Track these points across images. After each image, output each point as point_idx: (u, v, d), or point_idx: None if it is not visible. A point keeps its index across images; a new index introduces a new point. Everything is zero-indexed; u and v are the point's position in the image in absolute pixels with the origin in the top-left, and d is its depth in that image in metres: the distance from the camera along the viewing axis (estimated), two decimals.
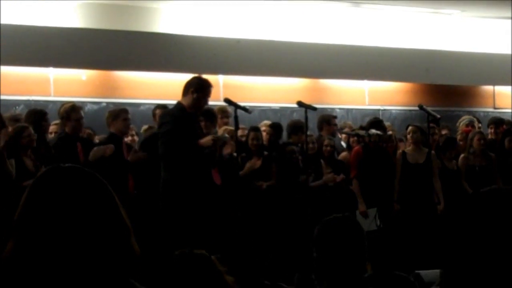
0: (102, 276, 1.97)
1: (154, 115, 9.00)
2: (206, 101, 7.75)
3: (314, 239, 3.35)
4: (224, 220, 7.87)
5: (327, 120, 10.42)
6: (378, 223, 9.03)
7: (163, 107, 9.01)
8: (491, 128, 10.72)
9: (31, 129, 7.86)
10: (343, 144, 10.56)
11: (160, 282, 2.43)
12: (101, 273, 1.97)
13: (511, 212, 1.68)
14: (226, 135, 7.81)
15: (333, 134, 10.34)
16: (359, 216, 9.01)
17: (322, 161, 9.60)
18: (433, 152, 9.55)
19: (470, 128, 10.72)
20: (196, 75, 7.97)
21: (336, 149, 10.12)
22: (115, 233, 2.01)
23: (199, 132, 7.79)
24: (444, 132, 10.90)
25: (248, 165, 8.81)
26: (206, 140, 7.64)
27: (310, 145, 9.50)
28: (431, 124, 9.85)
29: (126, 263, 2.02)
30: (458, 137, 10.39)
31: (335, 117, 10.74)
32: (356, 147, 9.64)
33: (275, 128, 9.85)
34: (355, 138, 9.92)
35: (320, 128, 10.35)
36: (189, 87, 7.66)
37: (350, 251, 3.32)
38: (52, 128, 9.03)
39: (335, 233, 3.33)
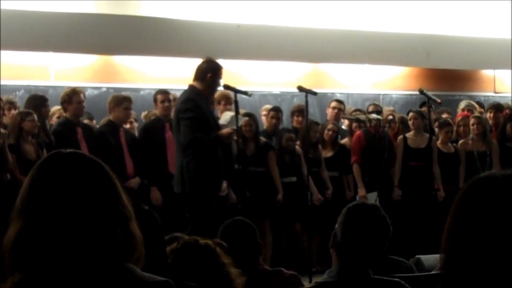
0: (99, 260, 1.98)
1: (155, 100, 8.98)
2: (220, 83, 7.79)
3: (342, 220, 3.40)
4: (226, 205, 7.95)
5: (335, 106, 10.49)
6: None
7: (164, 92, 9.00)
8: (490, 113, 10.69)
9: (35, 116, 7.88)
10: (344, 128, 10.57)
11: (162, 271, 2.43)
12: (98, 257, 1.98)
13: (508, 197, 1.69)
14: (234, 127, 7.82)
15: (337, 119, 10.37)
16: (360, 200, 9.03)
17: (319, 146, 9.60)
18: (434, 137, 9.55)
19: (467, 112, 10.69)
20: (202, 59, 7.93)
21: (340, 133, 10.15)
22: (114, 218, 2.02)
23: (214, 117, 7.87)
24: (444, 115, 10.89)
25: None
26: (227, 131, 7.67)
27: (315, 134, 9.51)
28: (423, 108, 9.87)
29: (124, 248, 2.03)
30: (456, 122, 10.35)
31: (340, 101, 10.76)
32: (358, 132, 9.65)
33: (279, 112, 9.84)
34: (357, 123, 9.93)
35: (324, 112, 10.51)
36: (206, 72, 7.66)
37: (375, 239, 3.39)
38: (54, 112, 9.04)
39: (363, 219, 3.40)
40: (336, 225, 3.43)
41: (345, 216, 3.43)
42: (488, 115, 10.64)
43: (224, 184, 7.95)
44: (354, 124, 10.01)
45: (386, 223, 3.47)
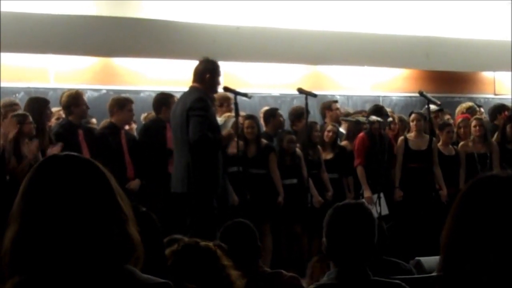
0: (96, 262, 1.98)
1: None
2: (219, 81, 7.79)
3: (326, 224, 3.40)
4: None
5: (328, 106, 10.47)
6: (379, 209, 9.03)
7: (164, 94, 9.00)
8: (491, 115, 10.67)
9: (30, 118, 7.85)
10: (342, 131, 10.53)
11: (161, 272, 2.42)
12: (96, 259, 1.98)
13: (509, 198, 1.68)
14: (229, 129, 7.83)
15: (337, 121, 10.34)
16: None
17: (319, 147, 9.58)
18: (434, 139, 9.53)
19: (466, 114, 10.67)
20: (198, 60, 7.94)
21: (338, 135, 10.13)
22: (110, 220, 2.01)
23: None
24: (447, 117, 10.87)
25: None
26: (227, 132, 7.69)
27: (316, 133, 9.50)
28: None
29: (122, 250, 2.02)
30: (456, 124, 10.32)
31: (336, 101, 10.76)
32: (361, 134, 9.61)
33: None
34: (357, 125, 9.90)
35: (323, 115, 10.42)
36: (204, 73, 7.66)
37: (360, 237, 3.36)
38: (53, 113, 9.03)
39: (346, 218, 3.38)
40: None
41: (329, 217, 3.42)
42: (490, 117, 10.60)
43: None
44: (354, 126, 9.99)
45: (370, 218, 3.44)
